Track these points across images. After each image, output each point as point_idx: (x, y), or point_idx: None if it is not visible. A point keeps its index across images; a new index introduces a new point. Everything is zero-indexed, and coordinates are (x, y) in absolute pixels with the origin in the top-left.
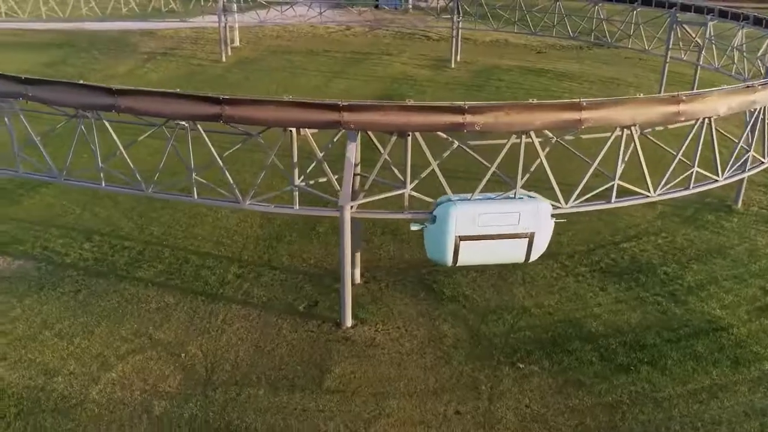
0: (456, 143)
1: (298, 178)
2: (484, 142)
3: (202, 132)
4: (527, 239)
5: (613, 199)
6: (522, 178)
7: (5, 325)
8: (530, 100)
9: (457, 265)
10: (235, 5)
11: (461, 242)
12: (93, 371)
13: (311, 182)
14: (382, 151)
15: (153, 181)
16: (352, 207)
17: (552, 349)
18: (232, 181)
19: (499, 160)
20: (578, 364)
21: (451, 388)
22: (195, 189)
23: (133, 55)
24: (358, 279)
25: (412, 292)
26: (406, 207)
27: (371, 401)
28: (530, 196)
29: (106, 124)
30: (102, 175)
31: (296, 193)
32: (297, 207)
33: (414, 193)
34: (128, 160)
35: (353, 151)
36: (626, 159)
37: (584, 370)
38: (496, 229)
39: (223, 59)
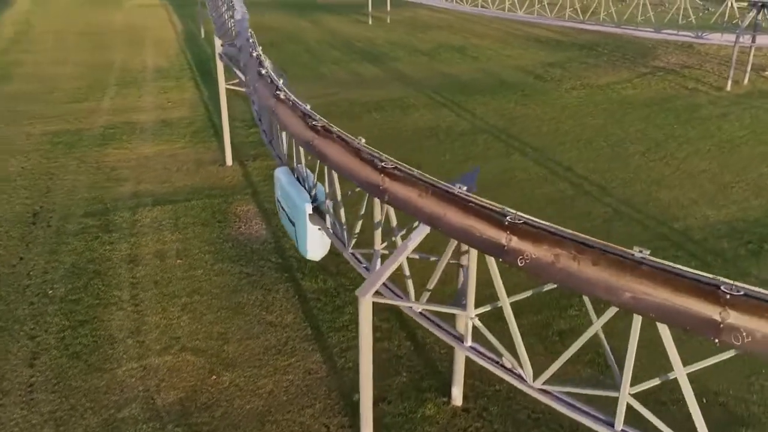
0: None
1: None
2: None
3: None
4: (294, 226)
5: None
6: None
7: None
8: (636, 250)
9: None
10: None
11: (278, 201)
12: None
13: None
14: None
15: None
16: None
17: None
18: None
19: (582, 340)
20: None
21: None
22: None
23: (636, 68)
24: (458, 400)
25: None
26: (463, 336)
27: None
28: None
29: None
30: None
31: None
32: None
33: (475, 320)
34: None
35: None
36: None
37: None
38: (283, 202)
39: (728, 88)
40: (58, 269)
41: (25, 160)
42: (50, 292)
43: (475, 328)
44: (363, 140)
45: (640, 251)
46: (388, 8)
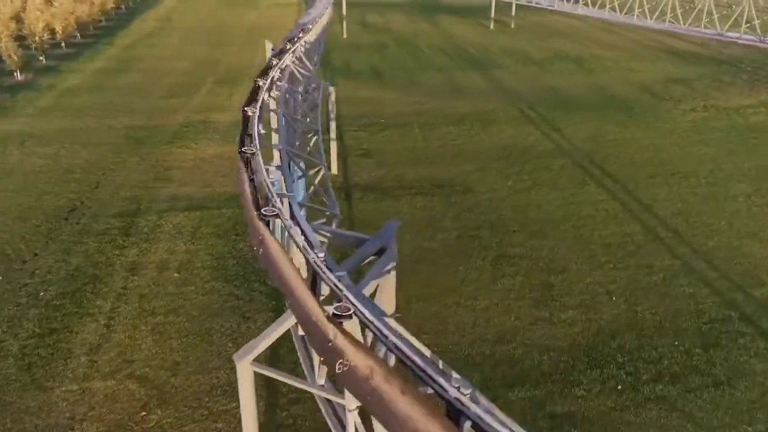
0: None
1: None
2: None
3: None
4: None
5: None
6: None
7: None
8: (454, 384)
9: None
10: None
11: None
12: None
13: None
14: None
15: None
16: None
17: None
18: None
19: None
20: None
21: None
22: None
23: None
24: None
25: None
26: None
27: None
28: None
29: None
30: None
31: None
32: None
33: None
34: None
35: None
36: None
37: None
38: None
39: None
40: (61, 270)
41: (94, 153)
42: (41, 294)
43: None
44: (271, 175)
45: (457, 387)
46: (513, 13)
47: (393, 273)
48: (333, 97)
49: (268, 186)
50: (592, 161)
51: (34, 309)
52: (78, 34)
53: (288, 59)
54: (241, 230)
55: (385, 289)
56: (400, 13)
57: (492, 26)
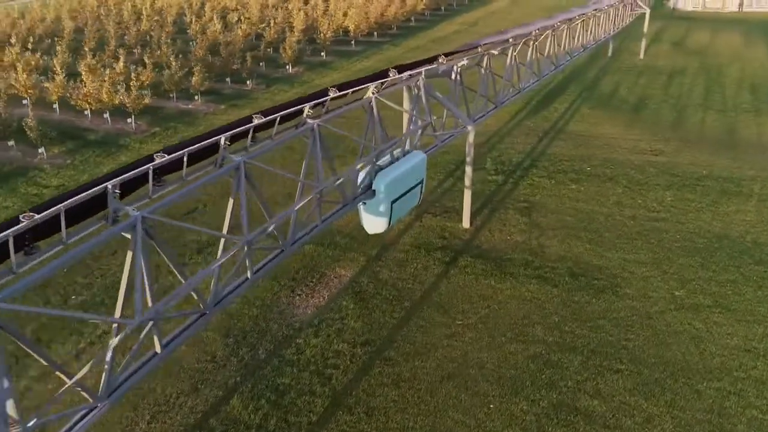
0: None
1: None
2: None
3: None
4: None
5: None
6: None
7: None
8: None
9: None
10: None
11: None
12: None
13: None
14: None
15: None
16: None
17: None
18: None
19: None
20: None
21: None
22: None
23: None
24: None
25: None
26: None
27: None
28: None
29: None
30: None
31: None
32: None
33: None
34: None
35: None
36: None
37: None
38: None
39: None
40: (112, 277)
41: None
42: (72, 298)
43: None
44: None
45: None
46: None
47: None
48: (471, 138)
49: None
50: None
51: (46, 316)
52: (375, 33)
53: (371, 90)
54: (305, 276)
55: None
56: (739, 33)
57: None
